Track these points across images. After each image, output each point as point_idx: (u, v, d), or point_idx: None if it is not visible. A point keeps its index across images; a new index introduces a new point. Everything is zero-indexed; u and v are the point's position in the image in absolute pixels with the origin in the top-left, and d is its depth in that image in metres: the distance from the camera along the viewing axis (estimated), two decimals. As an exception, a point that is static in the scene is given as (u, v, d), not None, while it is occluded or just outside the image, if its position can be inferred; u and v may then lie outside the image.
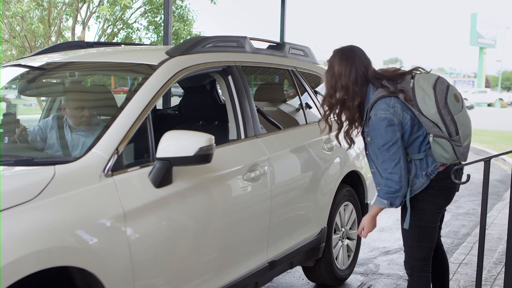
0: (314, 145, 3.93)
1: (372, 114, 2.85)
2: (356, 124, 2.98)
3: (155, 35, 15.99)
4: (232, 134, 3.35)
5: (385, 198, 2.92)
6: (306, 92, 4.26)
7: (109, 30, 15.82)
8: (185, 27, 15.21)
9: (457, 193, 3.41)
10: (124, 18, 15.82)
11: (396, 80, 2.90)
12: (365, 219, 3.09)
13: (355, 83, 2.87)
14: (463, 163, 3.06)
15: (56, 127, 3.14)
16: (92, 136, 2.69)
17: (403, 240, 3.12)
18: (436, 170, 2.96)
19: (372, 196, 4.73)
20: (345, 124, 3.00)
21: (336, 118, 2.99)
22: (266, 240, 3.33)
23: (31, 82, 3.60)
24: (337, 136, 3.08)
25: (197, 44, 3.26)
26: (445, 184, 3.01)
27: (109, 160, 2.43)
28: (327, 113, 3.00)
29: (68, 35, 16.93)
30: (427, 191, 2.97)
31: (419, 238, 3.03)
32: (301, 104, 4.20)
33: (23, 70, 3.51)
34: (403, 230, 3.06)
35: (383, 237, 5.83)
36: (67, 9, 14.95)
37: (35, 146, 3.10)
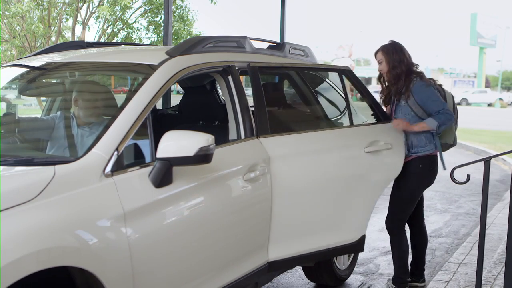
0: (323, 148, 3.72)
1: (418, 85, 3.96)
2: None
3: (155, 35, 15.97)
4: (232, 134, 3.34)
5: (440, 122, 3.88)
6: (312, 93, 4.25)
7: (109, 30, 15.80)
8: (185, 27, 15.19)
9: (457, 193, 3.47)
10: (124, 18, 15.80)
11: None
12: (404, 123, 3.97)
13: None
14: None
15: (63, 122, 3.17)
16: (97, 133, 2.70)
17: (393, 202, 4.11)
18: (434, 150, 4.03)
19: None
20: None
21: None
22: (266, 240, 3.33)
23: (31, 82, 3.60)
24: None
25: (197, 44, 3.26)
26: (427, 167, 4.01)
27: (109, 160, 2.44)
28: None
29: (68, 35, 16.92)
30: (416, 168, 4.00)
31: (407, 201, 4.05)
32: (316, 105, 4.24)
33: (23, 70, 3.51)
34: (395, 193, 4.10)
35: (383, 237, 5.83)
36: (67, 9, 14.93)
37: (44, 134, 3.14)
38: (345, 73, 4.09)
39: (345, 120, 4.56)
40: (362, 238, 3.87)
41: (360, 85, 4.12)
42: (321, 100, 4.44)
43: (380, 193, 3.98)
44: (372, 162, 3.86)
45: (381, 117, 4.10)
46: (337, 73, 4.17)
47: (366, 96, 4.11)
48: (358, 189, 3.78)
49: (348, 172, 3.75)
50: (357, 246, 3.86)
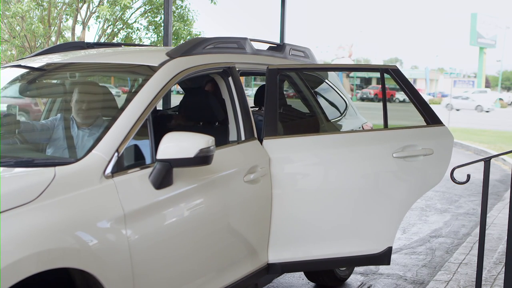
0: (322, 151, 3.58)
1: None
2: None
3: (155, 35, 15.95)
4: (232, 136, 3.35)
5: None
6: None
7: (109, 30, 15.78)
8: (185, 27, 15.16)
9: (457, 193, 3.45)
10: (124, 18, 15.78)
11: None
12: None
13: None
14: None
15: (63, 124, 3.17)
16: (97, 134, 2.70)
17: None
18: None
19: None
20: None
21: None
22: (266, 242, 3.33)
23: (31, 82, 3.60)
24: None
25: (198, 45, 3.27)
26: None
27: (109, 162, 2.44)
28: None
29: (68, 35, 16.90)
30: None
31: None
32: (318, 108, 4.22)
33: (23, 70, 3.51)
34: None
35: (383, 237, 5.83)
36: (67, 9, 14.91)
37: (44, 136, 3.13)
38: (388, 71, 3.71)
39: (344, 122, 4.56)
40: (388, 250, 3.56)
41: (407, 85, 3.72)
42: (323, 101, 4.44)
43: (413, 201, 3.66)
44: (403, 168, 3.53)
45: (429, 120, 3.69)
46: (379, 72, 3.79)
47: (413, 96, 3.70)
48: (383, 196, 3.52)
49: (369, 178, 3.50)
50: (382, 257, 3.55)
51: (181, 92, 5.25)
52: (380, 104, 3.77)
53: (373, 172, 3.52)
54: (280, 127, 3.45)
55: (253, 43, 3.78)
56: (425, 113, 3.71)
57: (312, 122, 4.26)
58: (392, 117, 3.87)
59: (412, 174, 3.59)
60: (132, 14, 15.92)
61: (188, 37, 14.87)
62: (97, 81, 3.84)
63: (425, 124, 3.71)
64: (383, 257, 3.56)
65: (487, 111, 38.89)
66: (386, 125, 3.67)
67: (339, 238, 3.49)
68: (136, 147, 2.66)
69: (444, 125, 3.72)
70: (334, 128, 4.40)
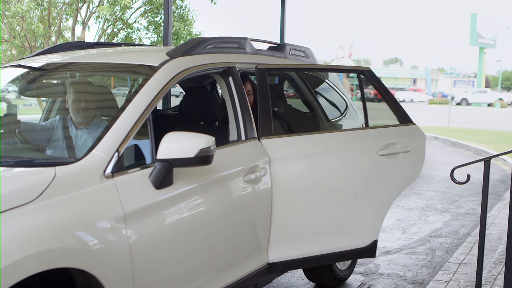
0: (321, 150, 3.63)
1: None
2: None
3: (155, 35, 15.97)
4: (233, 135, 3.35)
5: None
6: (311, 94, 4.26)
7: (109, 30, 15.79)
8: (185, 27, 15.18)
9: (457, 193, 3.47)
10: (124, 18, 15.79)
11: None
12: None
13: None
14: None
15: (61, 125, 3.17)
16: (96, 134, 2.70)
17: None
18: None
19: None
20: None
21: None
22: (266, 242, 3.33)
23: (31, 82, 3.60)
24: None
25: (198, 45, 3.27)
26: None
27: (109, 162, 2.44)
28: None
29: (68, 35, 16.91)
30: None
31: None
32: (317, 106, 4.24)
33: (24, 70, 3.51)
34: None
35: (383, 237, 5.84)
36: (67, 9, 14.92)
37: (44, 137, 3.14)
38: (364, 73, 3.93)
39: (345, 122, 4.57)
40: (374, 243, 3.77)
41: (381, 86, 3.95)
42: (323, 101, 4.46)
43: (395, 197, 3.86)
44: (387, 165, 3.73)
45: (402, 119, 3.93)
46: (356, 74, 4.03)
47: (386, 97, 3.93)
48: (369, 192, 3.69)
49: (358, 175, 3.66)
50: (369, 251, 3.75)
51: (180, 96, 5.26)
52: (380, 104, 3.87)
53: (362, 169, 3.68)
54: (279, 127, 3.47)
55: (253, 43, 3.78)
56: (397, 112, 3.95)
57: (312, 122, 4.27)
58: (380, 117, 4.13)
59: (394, 170, 3.79)
60: (132, 14, 15.93)
61: (188, 37, 14.88)
62: (97, 81, 3.84)
63: (398, 123, 3.93)
64: (370, 250, 3.77)
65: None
66: (367, 124, 3.89)
67: (331, 234, 3.62)
68: (136, 147, 2.66)
69: (415, 124, 3.95)
70: (335, 128, 4.41)
